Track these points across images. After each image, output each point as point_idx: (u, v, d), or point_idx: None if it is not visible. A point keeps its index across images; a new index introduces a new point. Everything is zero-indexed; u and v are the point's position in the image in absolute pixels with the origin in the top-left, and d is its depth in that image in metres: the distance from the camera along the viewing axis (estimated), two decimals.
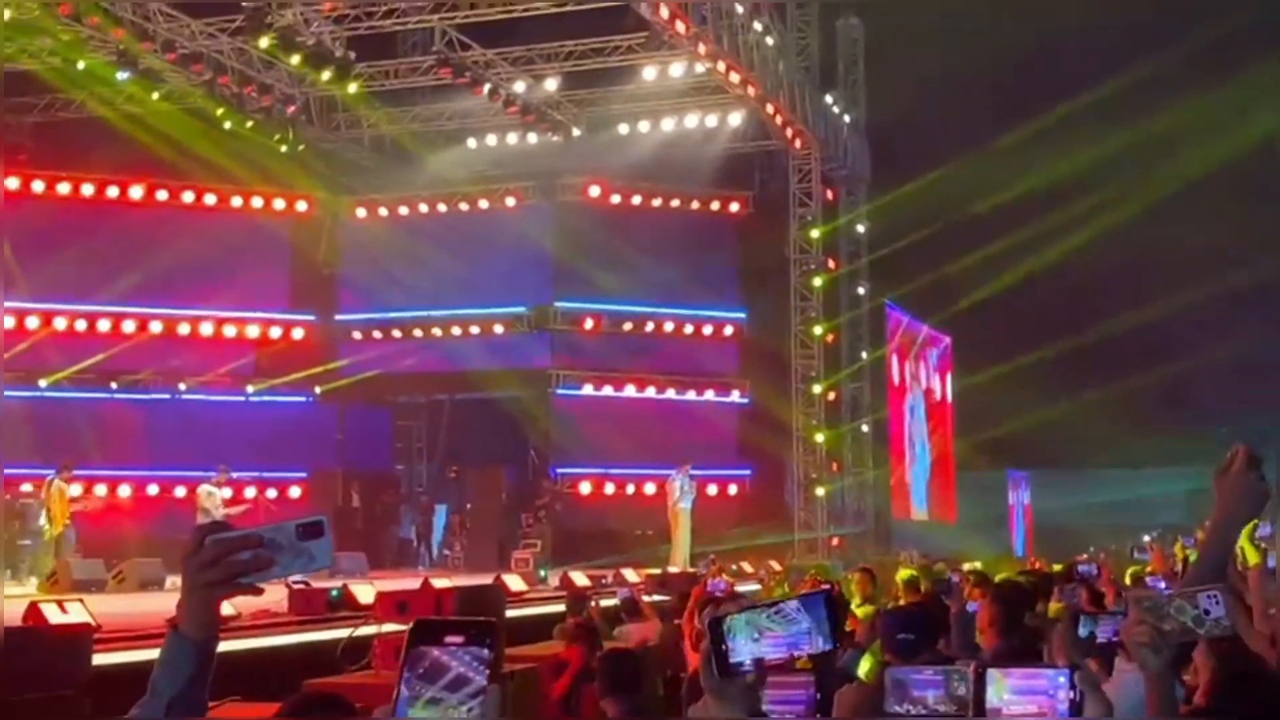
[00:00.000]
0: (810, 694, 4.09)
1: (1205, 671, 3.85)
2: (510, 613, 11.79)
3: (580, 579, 15.35)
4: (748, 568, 19.22)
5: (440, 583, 12.57)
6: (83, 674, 6.70)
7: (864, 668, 6.63)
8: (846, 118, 26.77)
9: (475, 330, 24.10)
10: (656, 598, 13.21)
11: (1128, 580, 13.14)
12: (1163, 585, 10.26)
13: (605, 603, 12.65)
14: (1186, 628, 2.37)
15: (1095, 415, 27.47)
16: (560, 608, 12.96)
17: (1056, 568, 14.37)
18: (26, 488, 19.73)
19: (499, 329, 24.10)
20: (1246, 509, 2.80)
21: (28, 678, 6.57)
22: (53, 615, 8.81)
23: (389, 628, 9.11)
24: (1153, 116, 23.28)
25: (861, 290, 27.19)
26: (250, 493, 21.38)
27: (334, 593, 11.63)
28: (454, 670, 1.97)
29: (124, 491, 18.97)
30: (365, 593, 11.66)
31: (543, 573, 17.99)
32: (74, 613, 8.97)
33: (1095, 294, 26.68)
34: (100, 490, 18.52)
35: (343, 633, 10.02)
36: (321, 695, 3.56)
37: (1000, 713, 2.84)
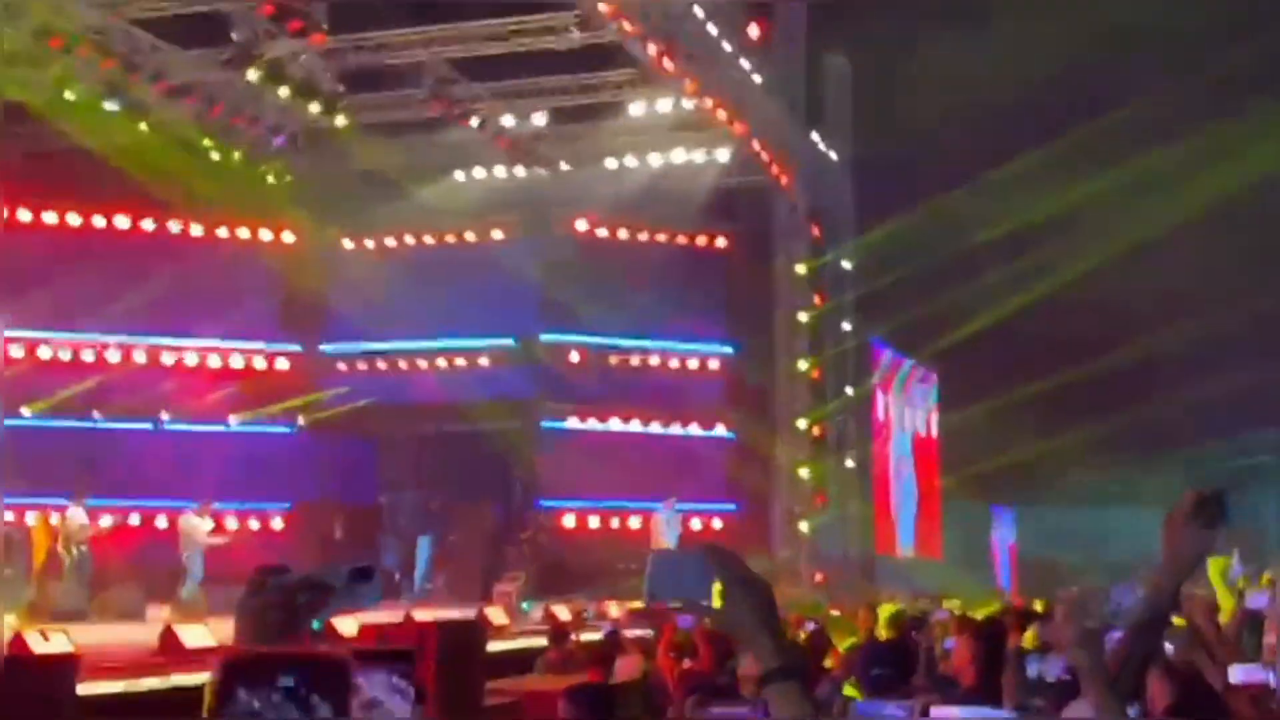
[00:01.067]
0: None
1: (1161, 699, 3.91)
2: (492, 646, 11.77)
3: (563, 613, 15.33)
4: None
5: (422, 615, 12.57)
6: (67, 704, 6.69)
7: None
8: (833, 154, 26.94)
9: (461, 362, 24.11)
10: (639, 632, 13.21)
11: None
12: None
13: (587, 637, 12.66)
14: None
15: (1081, 452, 27.59)
16: (542, 641, 12.96)
17: (1038, 605, 14.38)
18: (8, 516, 19.67)
19: (485, 361, 24.11)
20: (1186, 557, 2.82)
21: (13, 707, 6.54)
22: (36, 645, 8.79)
23: None
24: (1136, 157, 23.44)
25: (847, 326, 27.27)
26: (232, 524, 21.35)
27: (315, 624, 11.60)
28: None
29: (105, 521, 18.88)
30: (347, 625, 11.63)
31: (525, 605, 17.97)
32: (56, 642, 8.95)
33: (1080, 331, 26.79)
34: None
35: None
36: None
37: None
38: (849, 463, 26.70)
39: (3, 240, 20.88)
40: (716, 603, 2.18)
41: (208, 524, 18.37)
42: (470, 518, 22.55)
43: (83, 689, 7.87)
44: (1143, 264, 24.24)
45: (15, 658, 8.25)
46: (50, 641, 9.10)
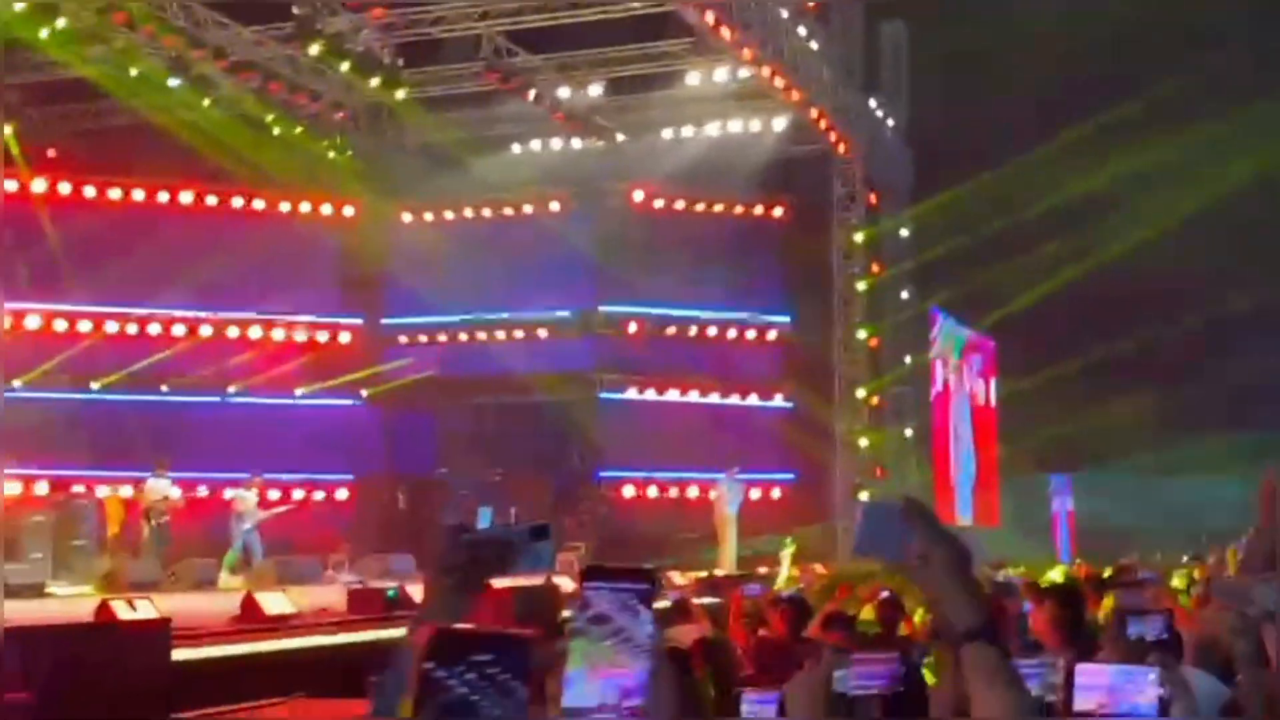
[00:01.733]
0: (894, 669, 4.13)
1: None
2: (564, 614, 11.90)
3: None
4: (795, 572, 19.24)
5: (497, 583, 12.73)
6: (163, 669, 6.85)
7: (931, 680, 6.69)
8: (890, 121, 26.82)
9: (520, 334, 24.22)
10: (706, 600, 13.29)
11: (1176, 582, 13.11)
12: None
13: (655, 605, 12.74)
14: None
15: (1142, 420, 27.37)
16: None
17: (1106, 572, 14.34)
18: (78, 489, 20.05)
19: (543, 333, 24.20)
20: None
21: (109, 673, 6.71)
22: (123, 613, 8.97)
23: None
24: (1202, 123, 23.16)
25: (905, 295, 27.19)
26: (298, 494, 21.64)
27: (390, 593, 11.80)
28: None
29: (174, 494, 19.21)
30: (420, 592, 11.81)
31: None
32: (143, 609, 9.13)
33: (1144, 298, 26.53)
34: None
35: (398, 631, 10.16)
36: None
37: (1089, 710, 2.86)
38: (908, 432, 26.66)
39: (62, 217, 21.29)
40: (915, 554, 2.19)
41: (253, 496, 18.64)
42: (530, 489, 22.69)
43: (175, 655, 8.05)
44: (1205, 231, 23.97)
45: (109, 624, 8.42)
46: (137, 610, 9.28)
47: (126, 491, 19.06)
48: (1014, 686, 2.15)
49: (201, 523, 19.23)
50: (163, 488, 17.94)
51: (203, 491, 21.12)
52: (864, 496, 23.74)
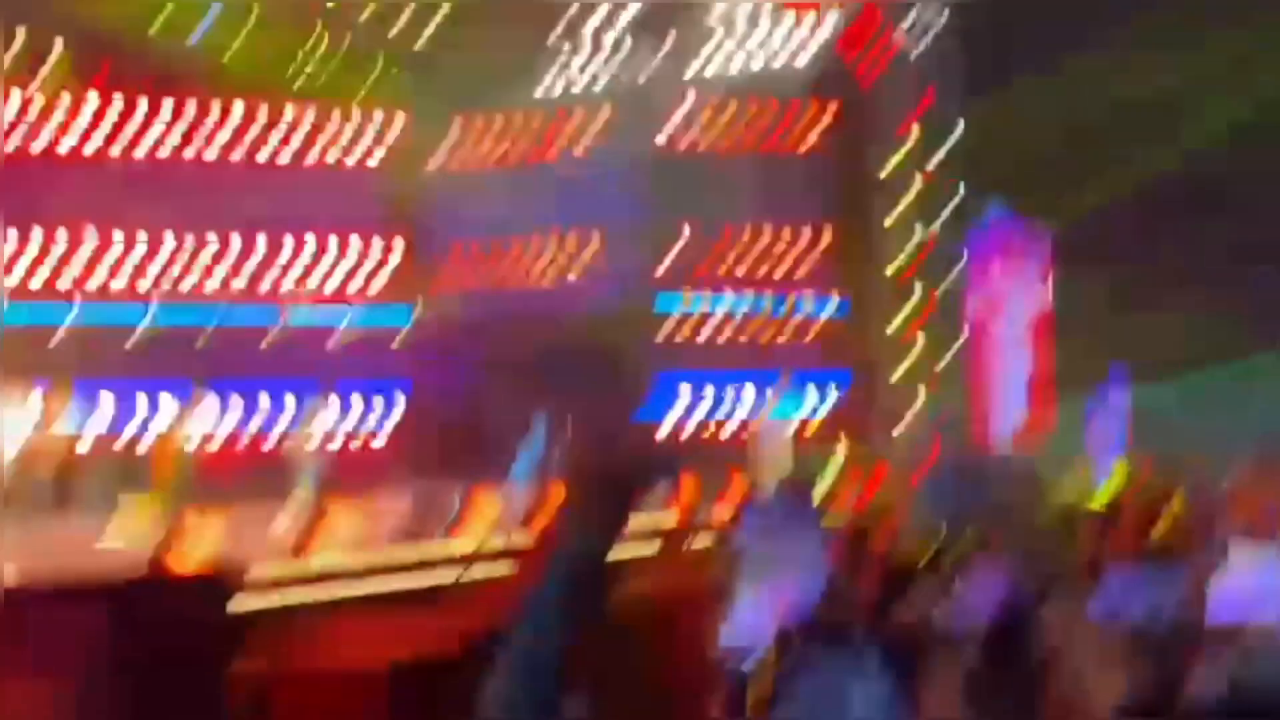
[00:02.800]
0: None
1: None
2: None
3: None
4: None
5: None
6: (221, 621, 7.02)
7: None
8: (944, 16, 26.22)
9: (570, 249, 24.15)
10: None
11: None
12: None
13: None
14: None
15: (1205, 322, 26.91)
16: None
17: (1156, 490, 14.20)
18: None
19: (594, 248, 24.11)
20: None
21: (165, 625, 6.87)
22: (177, 561, 9.08)
23: None
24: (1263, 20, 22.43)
25: (962, 191, 26.78)
26: (355, 407, 21.84)
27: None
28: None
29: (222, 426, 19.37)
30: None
31: None
32: (198, 552, 9.24)
33: (1213, 198, 25.93)
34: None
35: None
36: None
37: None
38: (964, 335, 26.45)
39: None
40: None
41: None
42: (581, 404, 22.75)
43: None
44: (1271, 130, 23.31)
45: (160, 577, 8.54)
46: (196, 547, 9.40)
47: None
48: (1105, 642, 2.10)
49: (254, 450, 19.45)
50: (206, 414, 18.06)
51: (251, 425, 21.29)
52: (918, 403, 23.66)
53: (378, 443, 21.65)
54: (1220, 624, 2.62)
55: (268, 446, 20.01)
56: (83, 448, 19.61)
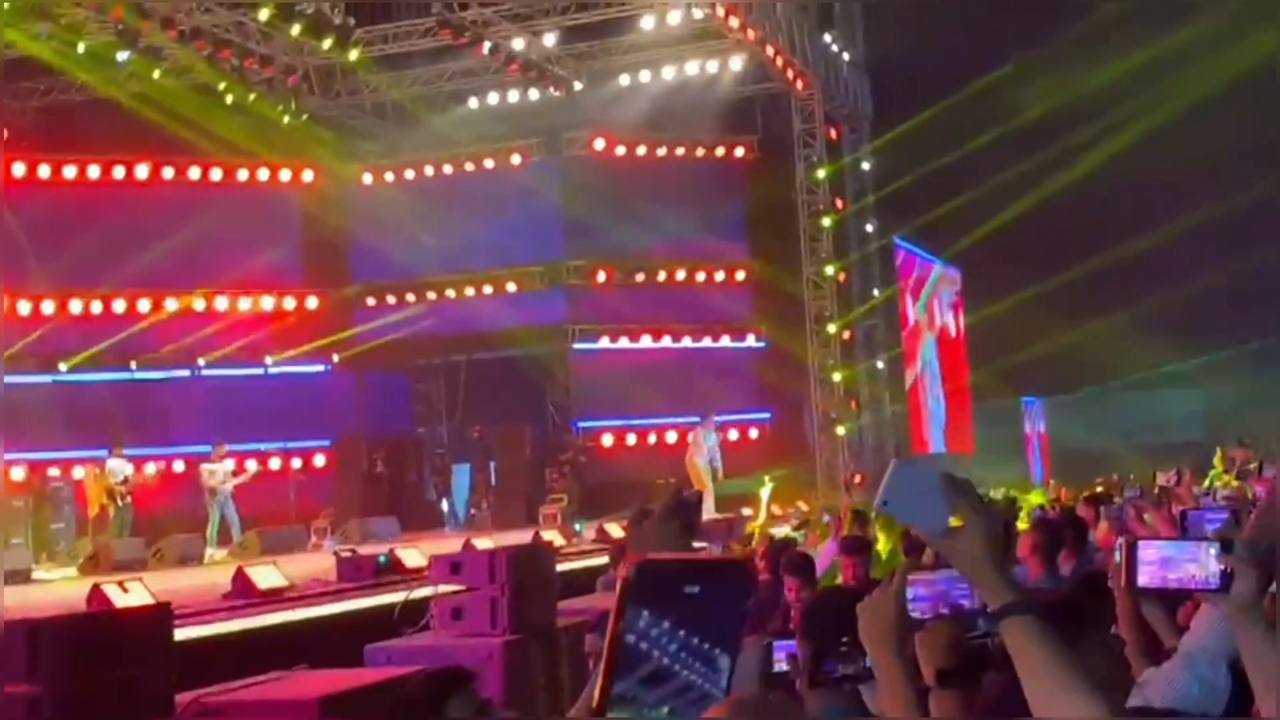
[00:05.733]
0: None
1: None
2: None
3: (616, 531, 15.50)
4: (776, 510, 19.38)
5: (481, 542, 12.74)
6: (166, 652, 6.84)
7: None
8: (846, 55, 26.75)
9: (488, 289, 24.14)
10: (696, 545, 13.37)
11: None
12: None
13: None
14: None
15: (1108, 340, 27.57)
16: (601, 560, 13.13)
17: (1098, 489, 14.47)
18: (54, 471, 19.91)
19: (512, 287, 24.15)
20: None
21: (112, 660, 6.70)
22: (116, 597, 8.93)
23: (444, 589, 9.27)
24: (1155, 38, 23.16)
25: (870, 228, 27.24)
26: (275, 463, 21.53)
27: (381, 558, 11.79)
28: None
29: (149, 469, 19.11)
30: (412, 556, 11.82)
31: (578, 526, 18.16)
32: (136, 592, 9.10)
33: (1103, 219, 26.65)
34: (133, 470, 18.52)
35: (394, 597, 10.18)
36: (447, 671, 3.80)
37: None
38: (880, 365, 26.79)
39: (18, 198, 21.01)
40: (952, 526, 2.14)
41: (228, 465, 18.56)
42: (509, 443, 22.70)
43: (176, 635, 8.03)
44: (1165, 145, 24.01)
45: (105, 612, 8.38)
46: (130, 592, 9.25)
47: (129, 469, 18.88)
48: (1063, 657, 2.09)
49: (180, 499, 19.17)
50: (120, 467, 17.83)
51: (179, 466, 21.05)
52: (840, 431, 23.88)
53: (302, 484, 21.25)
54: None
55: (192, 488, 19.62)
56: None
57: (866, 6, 26.88)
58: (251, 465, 19.37)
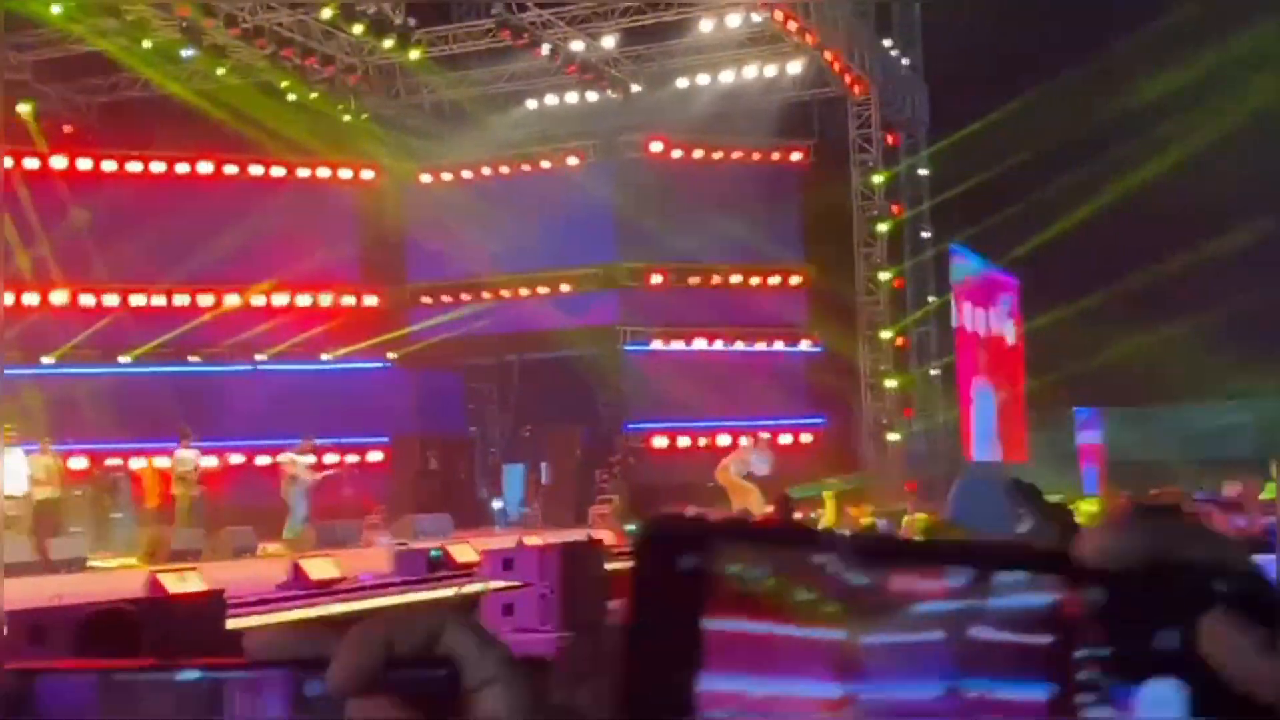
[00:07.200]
0: None
1: None
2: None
3: None
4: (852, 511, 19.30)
5: (532, 540, 12.83)
6: (219, 640, 6.96)
7: None
8: (905, 60, 26.65)
9: (543, 290, 24.24)
10: None
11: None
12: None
13: None
14: None
15: (1166, 350, 27.26)
16: None
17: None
18: (114, 461, 20.20)
19: (566, 287, 24.23)
20: None
21: (165, 646, 6.82)
22: (172, 585, 9.09)
23: (495, 584, 9.36)
24: (1222, 45, 22.93)
25: (925, 234, 27.12)
26: (332, 459, 21.73)
27: (434, 553, 11.90)
28: None
29: (209, 462, 19.35)
30: (463, 552, 11.92)
31: (629, 527, 18.21)
32: (192, 581, 9.25)
33: (1164, 229, 26.36)
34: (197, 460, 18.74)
35: (446, 592, 10.29)
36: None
37: None
38: (933, 371, 26.66)
39: (83, 193, 21.36)
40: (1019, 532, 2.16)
41: (309, 459, 18.75)
42: (560, 444, 22.81)
43: (227, 624, 8.16)
44: (1224, 157, 23.76)
45: (157, 598, 8.53)
46: (187, 581, 9.40)
47: (161, 463, 19.18)
48: None
49: (237, 491, 19.37)
50: (190, 457, 18.04)
51: (236, 459, 21.28)
52: (893, 437, 23.78)
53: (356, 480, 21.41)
54: None
55: (248, 480, 19.85)
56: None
57: (925, 11, 26.76)
58: (331, 459, 19.58)
